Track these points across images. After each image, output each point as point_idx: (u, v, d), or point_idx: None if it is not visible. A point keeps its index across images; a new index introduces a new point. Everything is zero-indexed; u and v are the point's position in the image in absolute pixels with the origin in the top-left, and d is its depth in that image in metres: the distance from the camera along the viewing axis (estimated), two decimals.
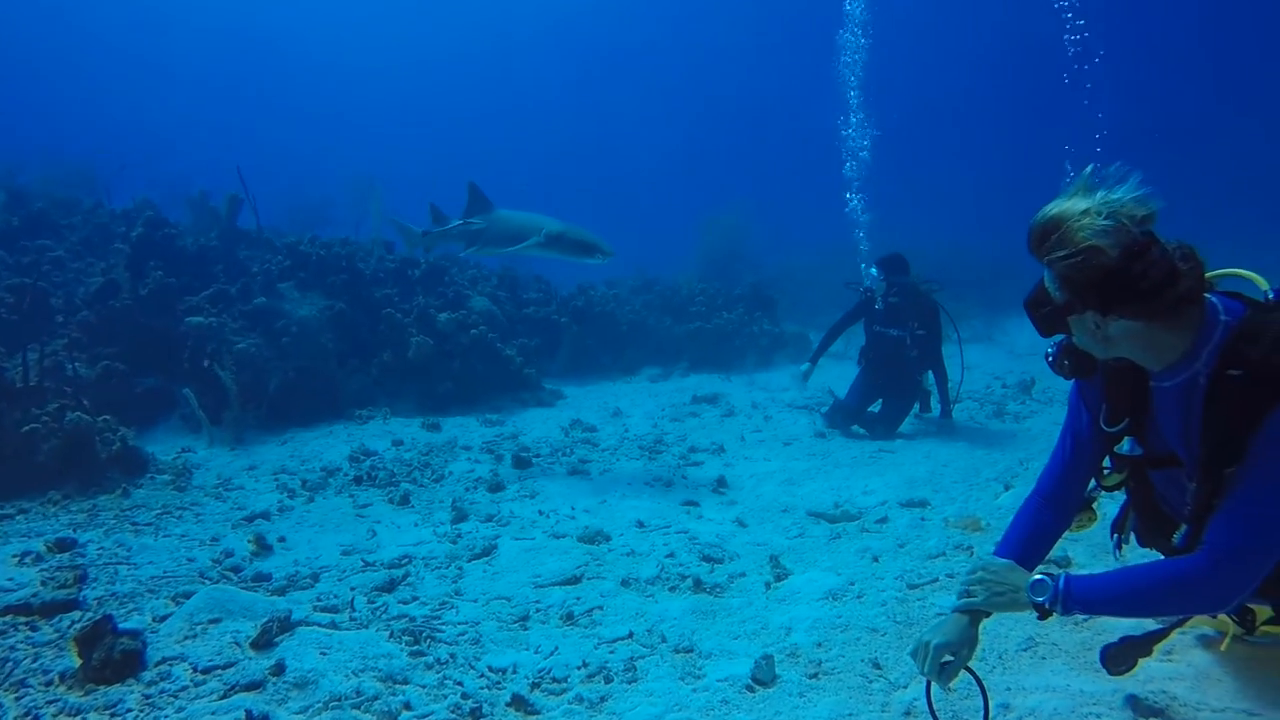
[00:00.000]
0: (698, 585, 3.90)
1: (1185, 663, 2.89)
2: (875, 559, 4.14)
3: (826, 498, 5.30)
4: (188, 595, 3.54)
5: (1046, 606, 2.16)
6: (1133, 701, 2.64)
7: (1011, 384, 9.24)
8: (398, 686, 2.91)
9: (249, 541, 4.47)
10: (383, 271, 9.94)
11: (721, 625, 3.52)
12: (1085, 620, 3.23)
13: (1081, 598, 2.11)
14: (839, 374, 8.50)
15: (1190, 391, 2.06)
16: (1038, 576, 2.19)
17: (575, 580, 4.07)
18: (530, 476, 6.09)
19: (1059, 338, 2.26)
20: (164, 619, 3.33)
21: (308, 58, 51.47)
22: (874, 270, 7.34)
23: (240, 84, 47.57)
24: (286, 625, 3.19)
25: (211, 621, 3.21)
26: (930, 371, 7.37)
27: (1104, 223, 1.89)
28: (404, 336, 8.75)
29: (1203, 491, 2.05)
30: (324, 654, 3.07)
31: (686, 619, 3.57)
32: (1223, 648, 2.76)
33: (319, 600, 3.74)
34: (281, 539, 4.63)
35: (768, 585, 3.91)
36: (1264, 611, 2.26)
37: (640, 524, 4.90)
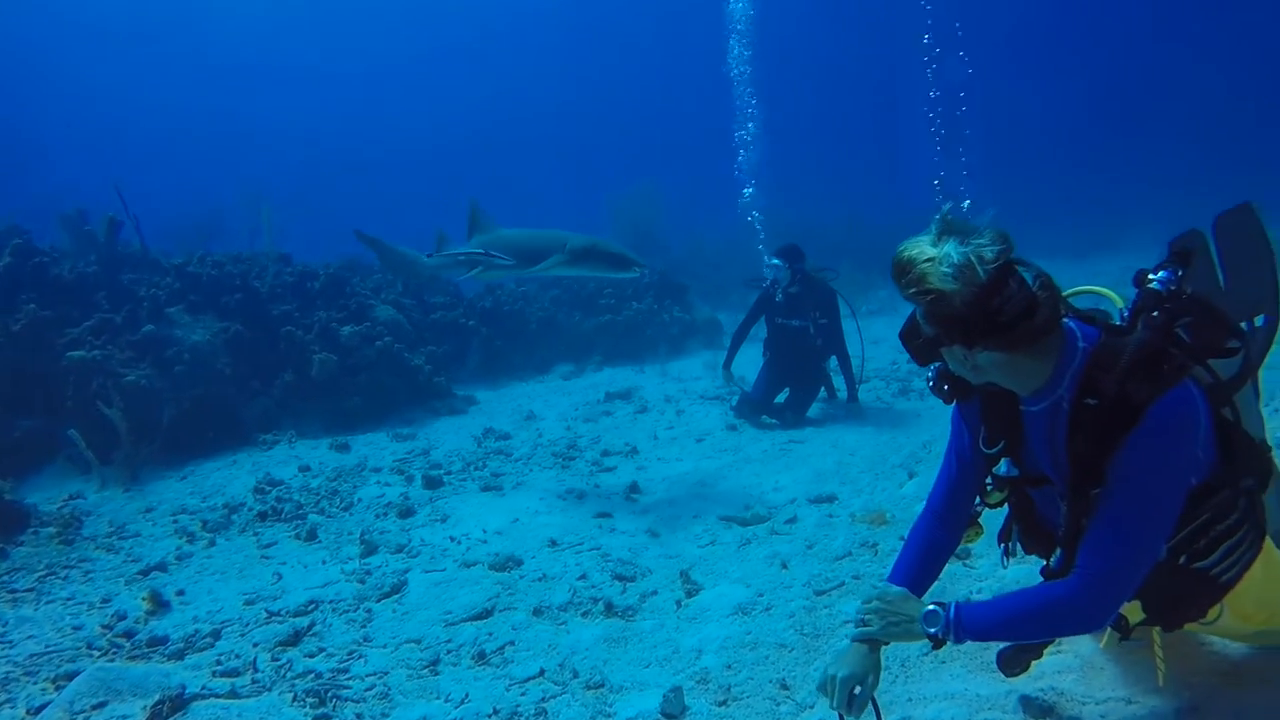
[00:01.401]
0: (609, 610, 3.89)
1: (1072, 653, 3.01)
2: (784, 565, 4.20)
3: (737, 498, 5.35)
4: (71, 676, 3.36)
5: (939, 637, 2.22)
6: (1025, 702, 2.74)
7: None
8: None
9: (143, 600, 4.28)
10: (280, 286, 9.58)
11: (633, 652, 3.52)
12: None
13: (971, 627, 2.19)
14: (751, 357, 8.54)
15: (1055, 417, 2.13)
16: (930, 607, 2.25)
17: (486, 614, 4.02)
18: (442, 496, 5.99)
19: (938, 364, 2.31)
20: (40, 710, 3.15)
21: (187, 57, 48.72)
22: (775, 260, 7.38)
23: (118, 87, 44.86)
24: (179, 703, 3.07)
25: (95, 707, 3.05)
26: (834, 357, 7.50)
27: (946, 269, 1.93)
28: (306, 354, 8.48)
29: (1072, 513, 2.14)
30: None
31: (598, 649, 3.56)
32: (1103, 645, 2.89)
33: (219, 663, 3.61)
34: (180, 593, 4.45)
35: (678, 604, 3.93)
36: (1135, 613, 2.36)
37: (553, 543, 4.87)
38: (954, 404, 2.48)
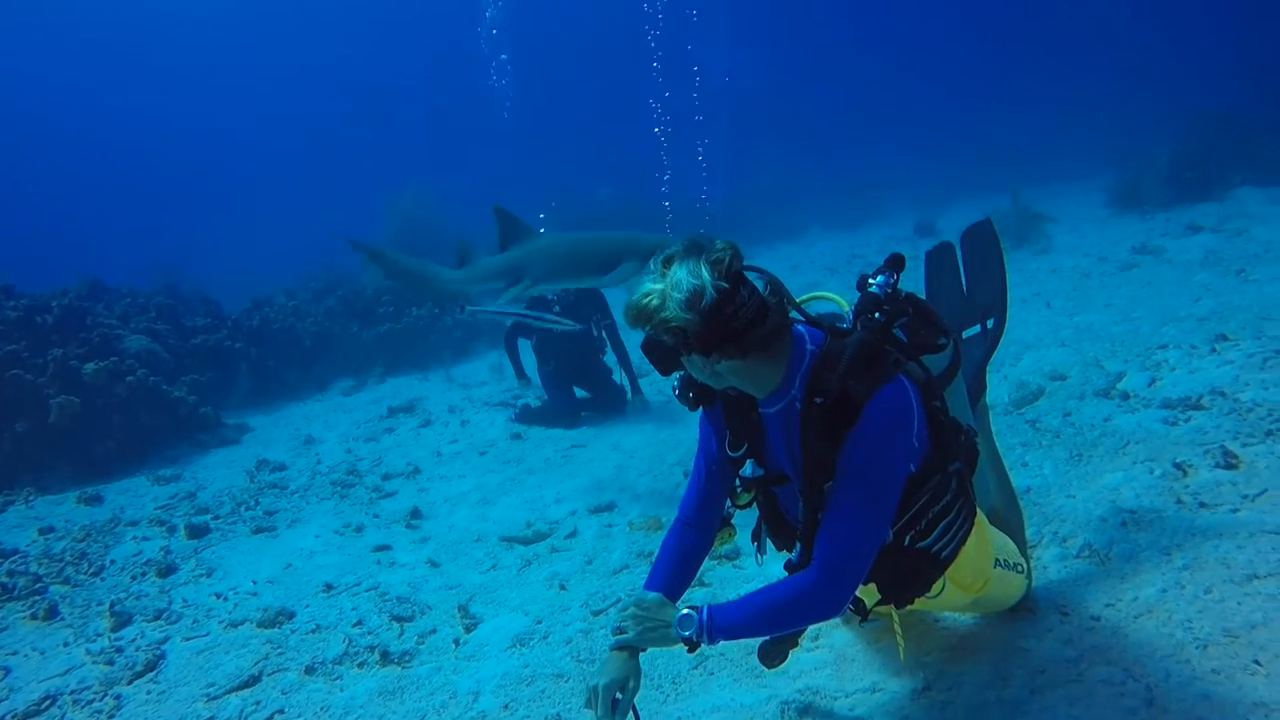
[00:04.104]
0: (385, 658, 3.77)
1: (827, 647, 3.20)
2: (563, 586, 4.23)
3: (519, 515, 5.33)
4: None
5: (694, 640, 2.30)
6: (783, 707, 2.88)
7: None
8: None
9: None
10: (1, 324, 8.53)
11: (410, 704, 3.43)
12: None
13: (724, 625, 2.28)
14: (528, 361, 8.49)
15: (789, 417, 2.26)
16: (684, 611, 2.32)
17: (254, 681, 3.79)
18: (209, 546, 5.59)
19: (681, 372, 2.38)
20: None
21: None
22: None
23: None
24: None
25: None
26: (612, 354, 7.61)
27: (679, 295, 2.02)
28: (42, 399, 7.62)
29: (808, 507, 2.26)
30: None
31: (373, 705, 3.45)
32: (845, 625, 3.11)
33: None
34: None
35: (457, 642, 3.86)
36: (871, 595, 2.55)
37: (328, 587, 4.66)
38: (700, 411, 2.56)
